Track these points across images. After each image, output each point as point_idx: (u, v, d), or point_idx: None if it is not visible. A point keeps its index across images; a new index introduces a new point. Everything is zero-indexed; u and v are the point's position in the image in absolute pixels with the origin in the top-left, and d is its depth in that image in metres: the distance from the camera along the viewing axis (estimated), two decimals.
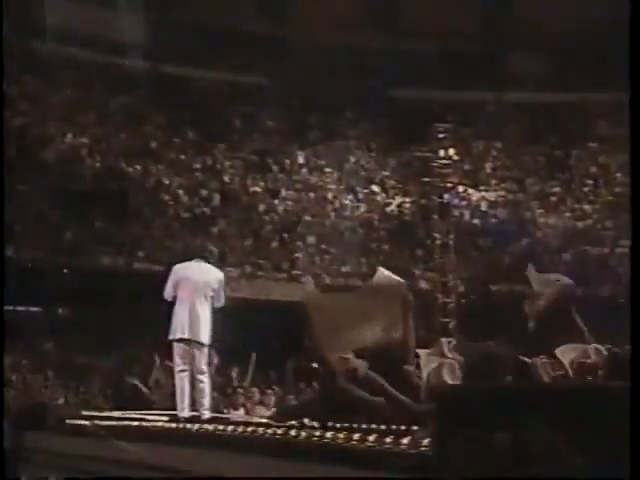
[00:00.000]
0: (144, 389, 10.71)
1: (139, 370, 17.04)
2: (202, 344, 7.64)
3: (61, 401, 13.30)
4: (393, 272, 19.84)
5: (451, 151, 21.15)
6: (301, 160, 23.76)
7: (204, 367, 7.68)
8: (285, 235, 21.21)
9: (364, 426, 3.58)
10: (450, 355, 4.86)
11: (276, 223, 21.52)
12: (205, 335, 7.64)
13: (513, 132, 25.83)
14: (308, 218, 21.89)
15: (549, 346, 4.95)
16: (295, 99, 25.43)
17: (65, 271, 18.23)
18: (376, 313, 4.39)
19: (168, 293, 7.84)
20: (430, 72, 26.39)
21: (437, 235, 20.82)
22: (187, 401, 7.65)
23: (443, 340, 4.74)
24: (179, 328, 7.62)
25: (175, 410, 7.75)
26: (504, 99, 26.77)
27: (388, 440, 3.18)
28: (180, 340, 7.63)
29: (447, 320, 20.15)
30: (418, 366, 4.62)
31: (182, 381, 7.67)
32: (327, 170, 23.73)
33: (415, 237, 21.97)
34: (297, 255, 20.68)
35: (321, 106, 25.61)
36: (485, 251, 21.98)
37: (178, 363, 7.71)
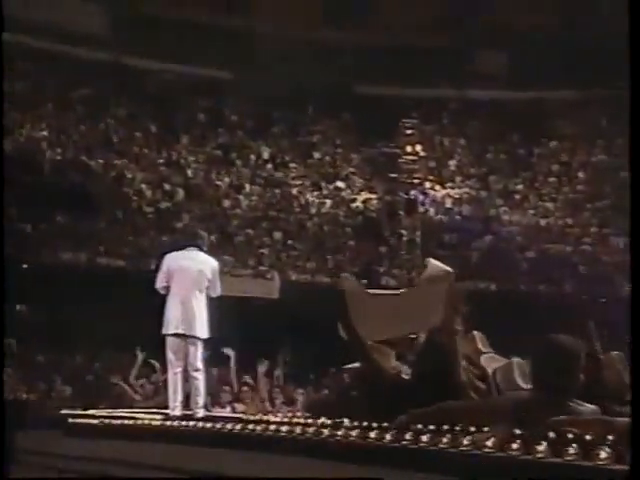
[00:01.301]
0: (127, 387, 10.40)
1: (103, 366, 16.68)
2: (198, 339, 7.34)
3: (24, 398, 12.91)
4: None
5: (418, 147, 21.16)
6: (266, 155, 23.50)
7: (199, 364, 7.39)
8: (250, 231, 20.94)
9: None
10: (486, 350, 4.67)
11: (241, 219, 21.22)
12: (201, 329, 7.33)
13: (476, 130, 25.92)
14: (273, 214, 21.64)
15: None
16: (259, 94, 25.14)
17: (24, 266, 17.71)
18: (422, 306, 4.18)
19: (160, 283, 7.47)
20: (394, 68, 26.35)
21: (404, 231, 20.80)
22: (180, 399, 7.35)
23: (475, 333, 4.53)
24: (173, 322, 7.28)
25: (159, 408, 7.49)
26: (467, 96, 26.85)
27: (444, 440, 3.01)
28: (174, 335, 7.30)
29: None
30: (471, 362, 4.41)
31: (175, 378, 7.36)
32: (292, 166, 23.51)
33: (381, 233, 21.88)
34: (263, 251, 20.42)
35: (285, 101, 25.38)
36: (450, 248, 21.97)
37: (171, 360, 7.40)
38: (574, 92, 26.37)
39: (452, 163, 24.65)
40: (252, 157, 23.28)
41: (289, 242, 21.08)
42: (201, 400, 7.38)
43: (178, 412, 7.20)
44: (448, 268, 4.37)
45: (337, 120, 25.29)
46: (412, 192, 20.86)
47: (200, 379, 7.38)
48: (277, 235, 21.11)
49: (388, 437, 3.23)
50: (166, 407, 7.47)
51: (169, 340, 7.36)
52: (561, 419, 2.69)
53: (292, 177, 23.18)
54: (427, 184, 22.77)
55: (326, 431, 3.58)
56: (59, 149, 20.46)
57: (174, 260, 7.52)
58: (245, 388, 9.23)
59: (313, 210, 22.30)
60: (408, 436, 3.15)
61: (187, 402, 7.51)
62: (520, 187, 24.14)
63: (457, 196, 23.68)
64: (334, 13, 26.53)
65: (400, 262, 20.99)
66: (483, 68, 27.05)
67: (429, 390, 3.73)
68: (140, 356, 10.58)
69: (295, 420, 4.10)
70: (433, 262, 4.37)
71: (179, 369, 7.36)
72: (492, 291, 21.14)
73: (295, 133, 24.54)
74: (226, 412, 8.11)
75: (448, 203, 23.44)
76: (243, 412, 8.25)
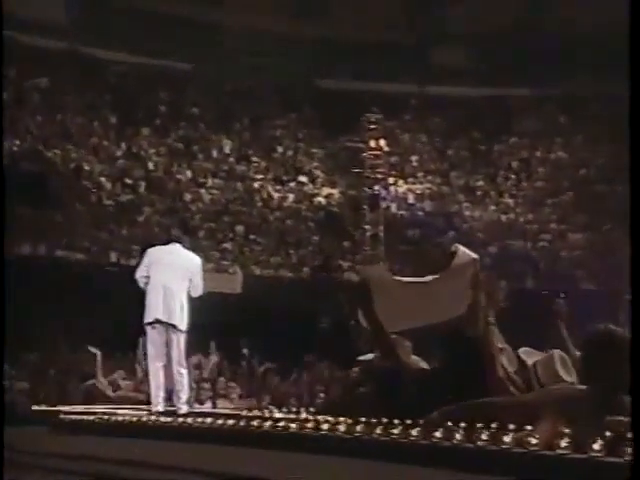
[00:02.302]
0: (100, 384, 10.08)
1: (63, 364, 16.23)
2: (179, 330, 7.15)
3: None
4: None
5: (382, 142, 21.06)
6: (227, 149, 23.17)
7: (184, 360, 7.22)
8: (212, 225, 20.62)
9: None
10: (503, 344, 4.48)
11: (203, 212, 20.88)
12: (181, 321, 7.16)
13: (437, 126, 25.95)
14: (235, 208, 21.35)
15: None
16: (221, 86, 24.83)
17: None
18: (448, 294, 3.95)
19: (140, 273, 7.30)
20: (355, 63, 26.25)
21: (367, 227, 20.70)
22: (162, 395, 7.13)
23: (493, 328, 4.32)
24: (153, 310, 7.10)
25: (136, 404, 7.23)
26: (428, 93, 26.86)
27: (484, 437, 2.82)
28: (155, 322, 7.09)
29: None
30: (507, 354, 4.23)
31: (157, 373, 7.14)
32: (254, 159, 23.23)
33: (344, 228, 21.75)
34: (225, 245, 20.12)
35: (247, 94, 25.10)
36: (413, 244, 21.94)
37: (151, 354, 7.22)
38: (531, 89, 26.59)
39: (414, 159, 24.62)
40: (214, 150, 22.92)
41: (252, 236, 20.81)
42: (184, 396, 7.20)
43: (161, 408, 6.98)
44: (474, 254, 4.16)
45: (299, 114, 25.08)
46: (376, 187, 20.73)
47: (184, 375, 7.21)
48: (239, 229, 20.83)
49: (414, 433, 3.03)
50: (145, 403, 7.26)
51: (149, 332, 7.19)
52: (618, 419, 2.53)
53: (254, 171, 22.90)
54: (390, 179, 22.68)
55: (342, 427, 3.37)
56: (17, 140, 19.85)
57: (157, 252, 7.49)
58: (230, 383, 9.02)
59: (275, 204, 22.07)
60: (438, 433, 2.96)
61: (170, 397, 7.33)
62: (481, 183, 24.22)
63: (419, 192, 23.67)
64: (297, 7, 26.30)
65: (363, 257, 20.86)
66: (444, 64, 27.08)
67: (458, 385, 3.52)
68: (99, 354, 10.30)
69: (304, 417, 3.87)
70: (461, 248, 4.14)
71: (160, 363, 7.16)
72: None
73: (257, 127, 24.25)
74: (207, 408, 7.90)
75: (410, 199, 23.41)
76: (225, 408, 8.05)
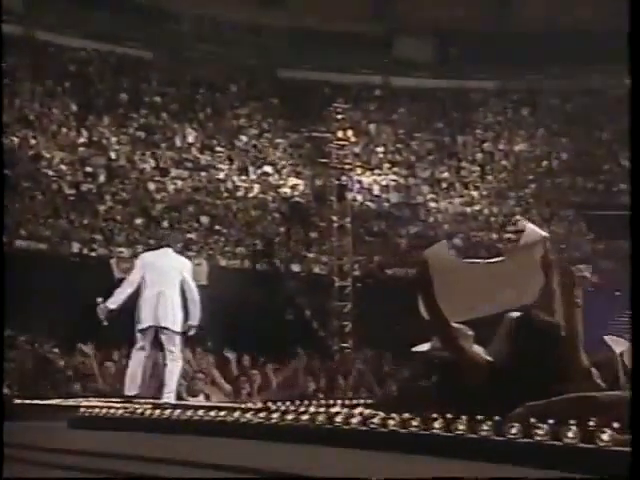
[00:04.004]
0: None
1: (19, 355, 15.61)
2: (173, 332, 6.97)
3: None
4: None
5: (349, 133, 20.74)
6: (191, 138, 22.63)
7: (173, 348, 6.95)
8: (176, 215, 20.10)
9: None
10: None
11: (167, 202, 20.35)
12: (174, 323, 7.03)
13: (402, 117, 25.76)
14: (200, 198, 20.86)
15: None
16: (183, 75, 24.26)
17: None
18: (514, 277, 3.55)
19: (134, 276, 7.08)
20: (318, 54, 25.92)
21: (334, 218, 20.38)
22: (138, 382, 6.88)
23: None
24: (148, 317, 6.91)
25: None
26: (392, 84, 26.67)
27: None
28: (147, 328, 6.91)
29: (343, 304, 19.79)
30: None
31: (138, 363, 6.93)
32: (218, 149, 22.74)
33: (310, 219, 21.42)
34: (190, 236, 19.62)
35: (209, 83, 24.60)
36: (380, 235, 21.73)
37: (139, 346, 6.99)
38: (495, 82, 26.60)
39: (379, 150, 24.39)
40: (177, 140, 22.36)
41: (217, 227, 20.35)
42: (173, 385, 6.97)
43: (132, 393, 6.82)
44: (544, 232, 3.76)
45: (263, 103, 24.65)
46: (343, 178, 20.41)
47: (173, 364, 6.99)
48: (204, 220, 20.35)
49: (485, 428, 2.72)
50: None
51: (139, 336, 7.07)
52: None
53: (218, 161, 22.42)
54: (357, 170, 22.40)
55: (393, 421, 3.04)
56: None
57: (149, 257, 7.51)
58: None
59: (240, 194, 21.63)
60: (514, 429, 2.64)
61: (160, 388, 7.07)
62: (446, 175, 24.10)
63: (385, 183, 23.45)
64: None
65: (329, 249, 20.56)
66: (409, 56, 26.91)
67: (535, 378, 3.16)
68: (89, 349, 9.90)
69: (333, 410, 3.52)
70: (529, 225, 3.74)
71: (144, 352, 7.01)
72: None
73: (221, 116, 23.75)
74: (200, 401, 7.54)
75: (376, 190, 23.18)
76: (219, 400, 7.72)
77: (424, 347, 3.85)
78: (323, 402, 6.15)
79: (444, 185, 23.82)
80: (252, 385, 8.76)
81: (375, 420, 3.05)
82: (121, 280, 7.72)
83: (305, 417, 3.42)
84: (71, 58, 23.06)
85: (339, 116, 20.80)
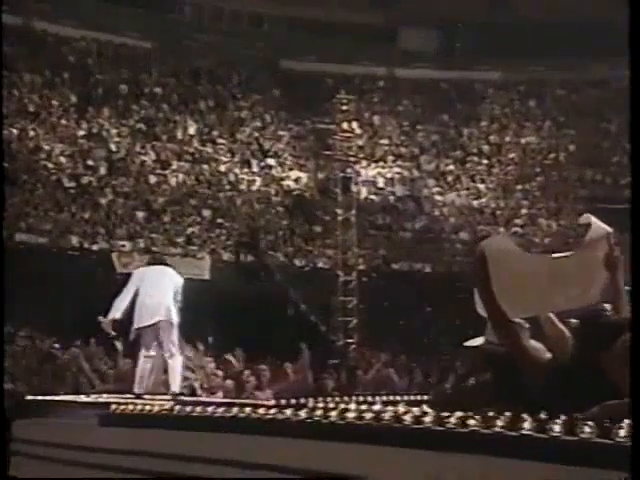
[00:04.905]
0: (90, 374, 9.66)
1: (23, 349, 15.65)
2: (171, 324, 7.33)
3: None
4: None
5: (354, 124, 20.77)
6: (192, 130, 22.63)
7: (173, 348, 7.09)
8: (178, 208, 20.12)
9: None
10: None
11: (168, 195, 20.36)
12: (170, 313, 7.29)
13: (406, 109, 25.77)
14: (202, 191, 20.88)
15: None
16: (183, 66, 24.25)
17: None
18: (578, 273, 3.44)
19: (130, 287, 7.26)
20: (321, 45, 25.92)
21: (339, 211, 20.41)
22: (146, 384, 6.98)
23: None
24: (145, 315, 7.23)
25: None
26: (396, 75, 26.66)
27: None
28: (147, 327, 7.10)
29: (349, 299, 19.83)
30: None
31: (145, 360, 7.05)
32: (220, 141, 22.75)
33: (314, 213, 21.44)
34: (192, 230, 19.65)
35: (210, 74, 24.59)
36: (385, 229, 21.77)
37: (144, 345, 7.12)
38: (501, 73, 26.59)
39: (384, 142, 24.40)
40: (178, 132, 22.36)
41: (219, 220, 20.37)
42: (177, 380, 7.10)
43: (140, 391, 6.93)
44: (608, 227, 3.61)
45: (265, 95, 24.63)
46: (348, 170, 20.44)
47: (174, 360, 7.14)
48: (206, 213, 20.37)
49: (557, 429, 2.65)
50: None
51: (143, 332, 7.31)
52: None
53: (220, 153, 22.42)
54: (360, 163, 22.41)
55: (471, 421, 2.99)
56: None
57: (144, 270, 7.79)
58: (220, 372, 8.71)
59: (243, 188, 21.65)
60: (588, 429, 2.58)
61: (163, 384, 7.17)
62: (451, 168, 24.13)
63: (389, 176, 23.47)
64: None
65: (333, 242, 20.59)
66: (413, 47, 26.91)
67: (595, 376, 3.08)
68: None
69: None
70: (595, 220, 3.60)
71: (149, 353, 7.14)
72: (427, 272, 21.07)
73: (221, 108, 23.75)
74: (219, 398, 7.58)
75: (381, 183, 23.21)
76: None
77: (477, 342, 3.77)
78: (370, 399, 6.15)
79: (449, 178, 23.85)
80: (260, 380, 8.78)
81: (428, 418, 3.03)
82: (121, 275, 7.85)
83: (352, 415, 3.40)
84: (70, 48, 23.04)
85: (344, 107, 20.83)
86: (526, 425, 2.70)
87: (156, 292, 7.34)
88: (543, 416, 2.73)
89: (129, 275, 7.82)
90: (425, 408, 3.28)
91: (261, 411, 4.09)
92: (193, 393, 7.57)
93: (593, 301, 3.42)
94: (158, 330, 7.22)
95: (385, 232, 21.70)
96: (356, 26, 26.78)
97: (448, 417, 2.98)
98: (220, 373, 8.51)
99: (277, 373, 9.58)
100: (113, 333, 7.45)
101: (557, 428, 2.66)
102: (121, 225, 18.88)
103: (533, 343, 3.43)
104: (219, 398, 7.46)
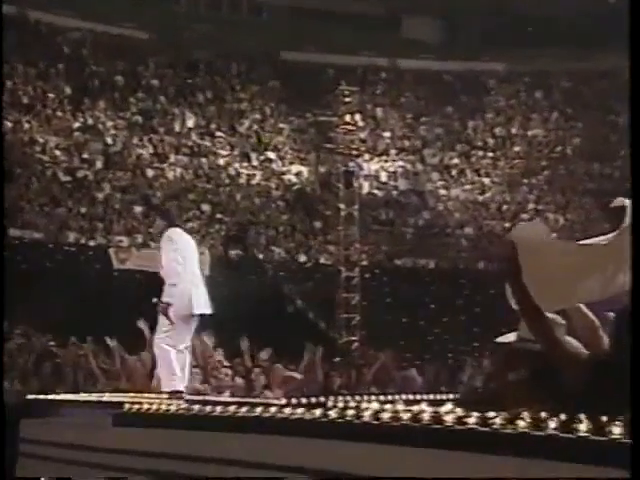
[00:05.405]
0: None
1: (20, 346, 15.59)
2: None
3: None
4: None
5: (357, 117, 20.69)
6: (190, 123, 22.55)
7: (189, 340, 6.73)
8: (177, 202, 20.04)
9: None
10: None
11: (166, 189, 20.30)
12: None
13: (409, 101, 25.68)
14: (201, 185, 20.81)
15: None
16: (181, 57, 24.16)
17: None
18: (614, 261, 3.33)
19: (176, 260, 6.53)
20: (323, 35, 25.81)
21: (341, 206, 20.33)
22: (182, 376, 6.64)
23: None
24: (201, 302, 6.50)
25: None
26: (399, 66, 26.56)
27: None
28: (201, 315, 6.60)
29: (351, 296, 19.77)
30: None
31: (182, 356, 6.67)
32: (218, 135, 22.67)
33: (315, 207, 21.38)
34: (191, 224, 19.56)
35: (208, 65, 24.50)
36: (387, 224, 21.72)
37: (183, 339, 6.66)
38: (506, 64, 26.50)
39: (386, 135, 24.32)
40: (176, 125, 22.29)
41: (218, 215, 20.32)
42: (187, 375, 6.81)
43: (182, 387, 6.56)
44: None
45: (264, 87, 24.54)
46: (350, 164, 20.35)
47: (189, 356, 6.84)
48: (206, 208, 20.31)
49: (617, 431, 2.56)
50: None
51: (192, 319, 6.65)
52: None
53: (219, 146, 22.35)
54: (362, 156, 22.32)
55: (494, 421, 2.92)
56: None
57: (184, 236, 6.84)
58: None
59: (242, 182, 21.58)
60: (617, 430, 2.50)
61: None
62: (456, 161, 24.06)
63: (392, 170, 23.41)
64: None
65: (335, 238, 20.53)
66: (415, 37, 26.81)
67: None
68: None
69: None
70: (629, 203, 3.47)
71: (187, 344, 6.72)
72: (430, 268, 21.03)
73: (221, 100, 23.66)
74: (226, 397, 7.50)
75: (383, 177, 23.14)
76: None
77: (509, 338, 3.67)
78: (382, 398, 6.07)
79: (454, 172, 23.79)
80: (268, 378, 8.71)
81: (450, 418, 2.96)
82: (118, 271, 7.51)
83: (367, 413, 3.34)
84: (65, 39, 22.94)
85: (346, 99, 20.73)
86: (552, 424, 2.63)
87: (196, 271, 6.65)
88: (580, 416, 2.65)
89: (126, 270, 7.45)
90: (446, 407, 3.21)
91: (273, 410, 4.03)
92: (198, 391, 7.42)
93: (626, 287, 3.32)
94: (197, 321, 6.67)
95: (388, 227, 21.64)
96: (358, 16, 26.70)
97: (469, 416, 2.91)
98: (229, 372, 8.43)
99: (287, 372, 9.51)
100: (174, 321, 6.51)
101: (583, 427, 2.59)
102: (118, 220, 18.82)
103: (570, 339, 3.35)
104: (227, 397, 7.36)
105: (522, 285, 3.18)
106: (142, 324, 8.67)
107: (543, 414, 2.71)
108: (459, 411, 2.98)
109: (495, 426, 2.81)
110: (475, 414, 2.92)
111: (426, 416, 3.10)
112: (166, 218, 7.04)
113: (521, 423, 2.73)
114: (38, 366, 11.29)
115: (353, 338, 19.19)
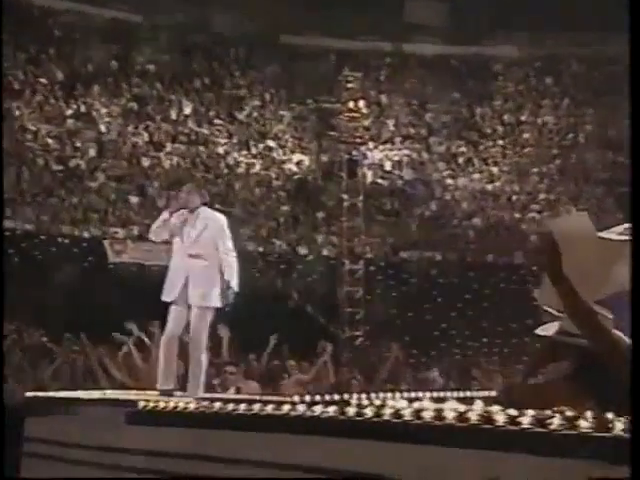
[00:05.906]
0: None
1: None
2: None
3: None
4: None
5: (361, 103, 20.36)
6: (187, 110, 22.20)
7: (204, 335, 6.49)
8: (173, 193, 19.69)
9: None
10: None
11: (162, 179, 19.98)
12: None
13: (414, 87, 25.33)
14: (198, 175, 20.48)
15: None
16: (177, 41, 23.78)
17: None
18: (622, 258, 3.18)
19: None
20: (324, 18, 25.44)
21: (344, 196, 20.05)
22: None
23: None
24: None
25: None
26: (403, 50, 26.19)
27: None
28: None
29: (355, 289, 19.52)
30: None
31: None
32: (217, 122, 22.33)
33: (318, 198, 21.07)
34: None
35: (205, 50, 24.13)
36: (393, 214, 21.41)
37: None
38: (515, 48, 26.14)
39: (391, 123, 23.98)
40: (172, 112, 21.94)
41: (217, 206, 19.96)
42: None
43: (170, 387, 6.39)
44: None
45: (264, 72, 24.18)
46: (354, 152, 20.04)
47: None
48: None
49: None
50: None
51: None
52: None
53: (217, 135, 22.02)
54: (366, 144, 21.98)
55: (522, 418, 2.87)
56: None
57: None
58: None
59: (242, 171, 21.26)
60: None
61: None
62: (463, 150, 23.73)
63: (397, 159, 23.08)
64: None
65: (339, 230, 20.24)
66: (420, 20, 26.41)
67: None
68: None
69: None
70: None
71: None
72: (437, 261, 20.74)
73: (219, 86, 23.30)
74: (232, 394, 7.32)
75: (388, 166, 22.82)
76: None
77: (549, 330, 3.47)
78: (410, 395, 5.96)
79: (461, 160, 23.47)
80: (277, 376, 8.53)
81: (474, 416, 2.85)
82: (114, 264, 7.31)
83: (389, 411, 3.31)
84: (55, 22, 22.56)
85: (349, 85, 20.41)
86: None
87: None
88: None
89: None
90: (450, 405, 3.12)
91: (286, 407, 3.95)
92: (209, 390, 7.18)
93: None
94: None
95: (393, 218, 21.34)
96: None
97: (495, 415, 2.87)
98: (234, 369, 8.22)
99: (296, 369, 9.38)
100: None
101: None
102: (113, 211, 18.51)
103: (620, 334, 3.14)
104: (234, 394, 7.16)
105: (565, 280, 3.01)
106: (131, 324, 8.57)
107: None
108: (480, 409, 2.93)
109: (523, 425, 2.77)
110: (499, 412, 2.86)
111: (450, 414, 3.06)
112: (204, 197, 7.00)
113: (555, 421, 2.67)
114: (33, 363, 11.05)
115: (357, 333, 18.94)
